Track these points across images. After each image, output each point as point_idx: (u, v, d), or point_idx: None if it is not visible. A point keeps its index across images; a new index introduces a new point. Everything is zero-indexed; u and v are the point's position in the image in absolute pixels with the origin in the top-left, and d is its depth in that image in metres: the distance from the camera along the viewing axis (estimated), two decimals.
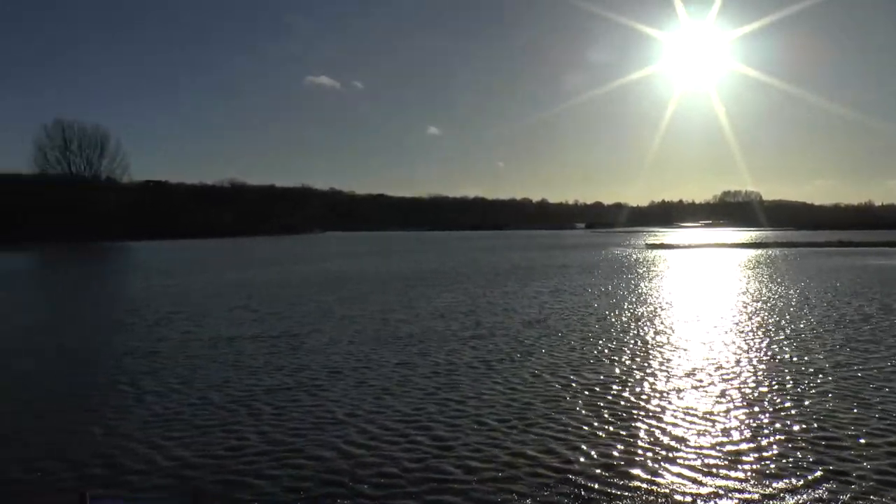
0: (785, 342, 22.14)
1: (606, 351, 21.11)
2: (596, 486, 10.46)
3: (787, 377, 17.27)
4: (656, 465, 11.25)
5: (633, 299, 34.54)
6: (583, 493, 10.23)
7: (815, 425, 13.25)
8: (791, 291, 37.82)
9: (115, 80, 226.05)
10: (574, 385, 16.79)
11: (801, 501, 9.79)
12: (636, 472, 10.98)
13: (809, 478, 10.59)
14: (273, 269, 57.88)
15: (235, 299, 36.17)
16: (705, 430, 13.03)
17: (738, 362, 19.08)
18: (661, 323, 26.53)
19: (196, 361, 20.36)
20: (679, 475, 10.80)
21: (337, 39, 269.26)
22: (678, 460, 11.45)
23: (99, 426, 14.23)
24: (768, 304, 31.94)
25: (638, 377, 17.55)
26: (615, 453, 11.85)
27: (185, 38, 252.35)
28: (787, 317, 27.78)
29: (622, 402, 15.17)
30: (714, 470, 11.00)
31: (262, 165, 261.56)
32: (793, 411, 14.25)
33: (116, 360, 20.89)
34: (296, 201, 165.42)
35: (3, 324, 29.73)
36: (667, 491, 10.24)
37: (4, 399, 16.33)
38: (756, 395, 15.64)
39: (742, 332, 24.16)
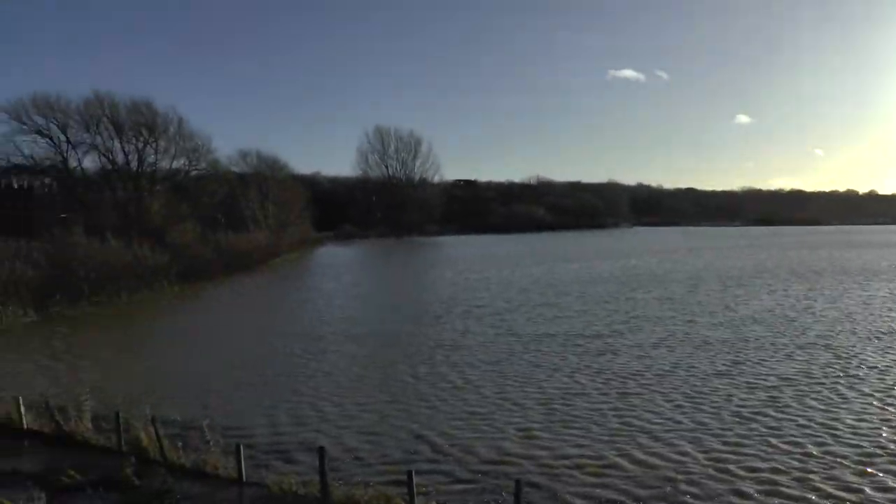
0: None
1: None
2: None
3: None
4: None
5: None
6: None
7: None
8: None
9: (420, 87, 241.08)
10: None
11: None
12: None
13: None
14: (580, 265, 57.23)
15: (541, 295, 36.62)
16: None
17: None
18: None
19: (502, 357, 21.13)
20: None
21: (639, 29, 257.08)
22: None
23: (422, 408, 15.62)
24: None
25: None
26: None
27: (486, 42, 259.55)
28: None
29: None
30: None
31: (568, 161, 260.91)
32: None
33: (429, 350, 22.56)
34: (602, 196, 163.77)
35: (338, 309, 33.71)
36: None
37: (340, 378, 18.74)
38: None
39: None
